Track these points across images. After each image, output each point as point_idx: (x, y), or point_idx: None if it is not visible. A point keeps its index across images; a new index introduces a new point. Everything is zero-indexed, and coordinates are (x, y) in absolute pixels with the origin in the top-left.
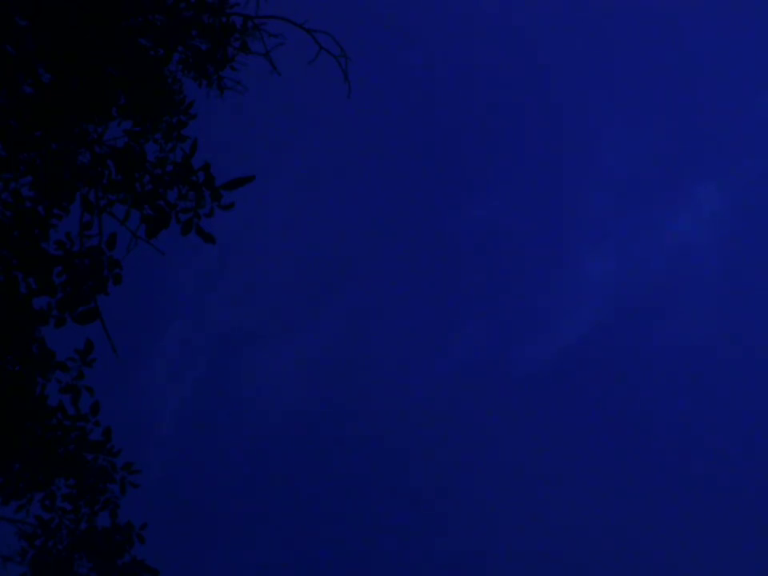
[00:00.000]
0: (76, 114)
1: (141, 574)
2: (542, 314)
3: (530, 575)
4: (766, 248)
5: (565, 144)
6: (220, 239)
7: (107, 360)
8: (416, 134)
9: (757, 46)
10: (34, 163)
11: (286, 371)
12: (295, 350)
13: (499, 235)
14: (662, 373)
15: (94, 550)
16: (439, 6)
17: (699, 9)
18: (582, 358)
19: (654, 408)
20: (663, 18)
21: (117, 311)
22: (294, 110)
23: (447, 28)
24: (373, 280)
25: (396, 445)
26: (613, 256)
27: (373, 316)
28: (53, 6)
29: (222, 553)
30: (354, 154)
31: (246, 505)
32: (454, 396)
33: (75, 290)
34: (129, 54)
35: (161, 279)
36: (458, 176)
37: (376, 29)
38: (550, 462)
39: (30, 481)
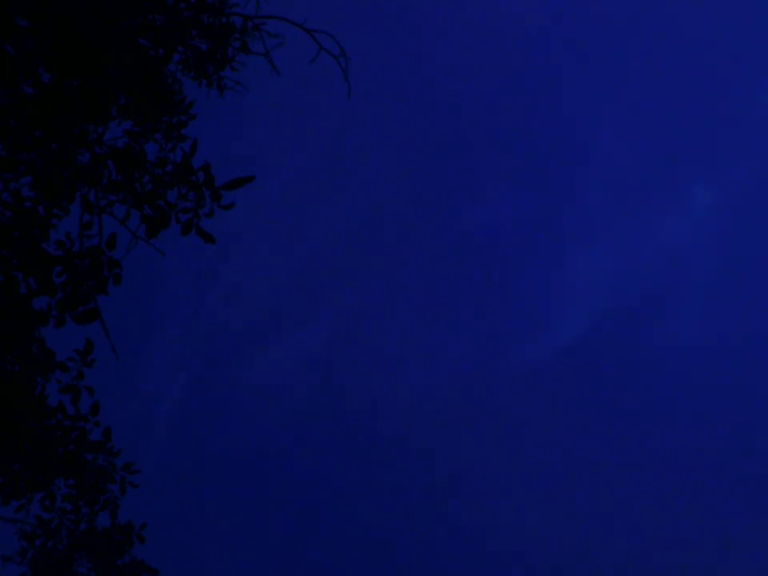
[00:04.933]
0: (76, 113)
1: (141, 574)
2: (539, 314)
3: (528, 573)
4: (760, 247)
5: (561, 145)
6: (217, 238)
7: (105, 359)
8: (414, 134)
9: (751, 45)
10: (34, 163)
11: (283, 370)
12: (292, 348)
13: (497, 235)
14: (658, 371)
15: (94, 550)
16: (438, 7)
17: (693, 10)
18: (579, 357)
19: (651, 406)
20: (657, 20)
21: (114, 311)
22: (294, 109)
23: (445, 30)
24: (371, 280)
25: (394, 443)
26: (609, 255)
27: (370, 315)
28: (53, 5)
29: (221, 552)
30: (353, 154)
31: (243, 504)
32: (452, 395)
33: (75, 289)
34: (129, 53)
35: (156, 278)
36: (455, 176)
37: (376, 29)
38: (548, 460)
39: (30, 481)
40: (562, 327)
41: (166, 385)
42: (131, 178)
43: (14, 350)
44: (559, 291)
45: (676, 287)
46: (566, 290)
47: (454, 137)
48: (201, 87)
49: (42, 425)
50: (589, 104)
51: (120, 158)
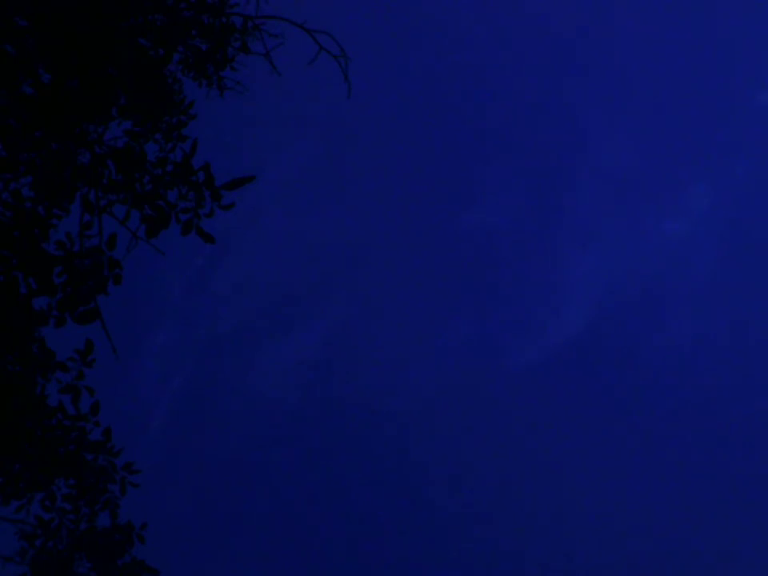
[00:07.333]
0: (76, 114)
1: (141, 574)
2: (538, 314)
3: (527, 572)
4: (758, 246)
5: (558, 145)
6: (216, 238)
7: (104, 359)
8: (413, 134)
9: (751, 46)
10: (34, 163)
11: (279, 370)
12: (288, 348)
13: (495, 235)
14: (656, 371)
15: (94, 550)
16: (438, 8)
17: (693, 10)
18: (577, 357)
19: (649, 405)
20: (656, 20)
21: (115, 311)
22: (294, 109)
23: (445, 31)
24: (368, 281)
25: (392, 444)
26: (608, 255)
27: (367, 317)
28: (53, 5)
29: (220, 552)
30: (352, 155)
31: (241, 504)
32: (450, 394)
33: (75, 289)
34: (129, 53)
35: (156, 278)
36: (453, 177)
37: (376, 29)
38: (546, 459)
39: (30, 481)
40: (560, 327)
41: (164, 385)
42: (131, 178)
43: (14, 350)
44: (557, 291)
45: (675, 287)
46: (565, 290)
47: (453, 137)
48: (201, 87)
49: (41, 425)
50: (587, 103)
51: (120, 158)
